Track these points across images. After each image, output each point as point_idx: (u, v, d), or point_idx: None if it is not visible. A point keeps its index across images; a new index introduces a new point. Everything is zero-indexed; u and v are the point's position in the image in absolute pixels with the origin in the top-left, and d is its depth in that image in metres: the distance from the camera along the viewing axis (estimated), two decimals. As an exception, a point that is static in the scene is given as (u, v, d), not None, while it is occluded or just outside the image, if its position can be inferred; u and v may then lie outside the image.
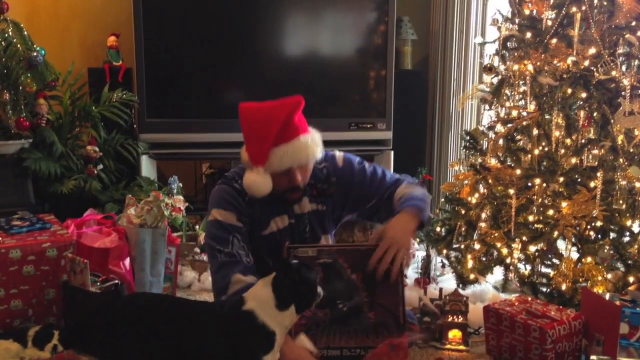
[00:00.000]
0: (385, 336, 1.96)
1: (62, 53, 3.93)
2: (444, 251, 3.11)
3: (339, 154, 2.33)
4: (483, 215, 2.91)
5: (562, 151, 2.73)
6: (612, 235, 2.70)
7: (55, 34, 4.02)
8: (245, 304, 1.71)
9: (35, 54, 3.23)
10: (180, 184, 3.57)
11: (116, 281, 2.55)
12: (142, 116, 3.72)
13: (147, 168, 3.78)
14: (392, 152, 4.05)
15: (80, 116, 3.55)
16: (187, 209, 3.39)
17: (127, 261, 2.81)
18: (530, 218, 2.75)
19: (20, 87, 3.24)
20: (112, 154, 3.62)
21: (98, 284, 2.50)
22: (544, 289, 2.73)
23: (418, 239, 3.62)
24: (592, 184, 2.62)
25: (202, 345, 1.70)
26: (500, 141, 2.93)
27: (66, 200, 3.32)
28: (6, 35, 3.21)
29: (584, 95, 2.67)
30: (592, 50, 2.61)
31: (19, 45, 3.22)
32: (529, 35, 2.84)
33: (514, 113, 2.87)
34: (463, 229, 3.00)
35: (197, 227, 3.62)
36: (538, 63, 2.73)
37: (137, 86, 3.72)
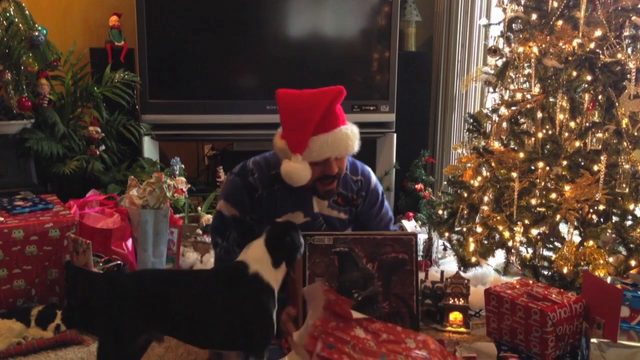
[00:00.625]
0: (400, 326, 1.95)
1: (64, 33, 3.90)
2: (446, 234, 3.12)
3: (373, 176, 2.33)
4: (485, 199, 2.91)
5: (566, 134, 2.71)
6: (614, 218, 2.70)
7: (57, 14, 3.99)
8: (249, 267, 1.79)
9: (37, 33, 3.20)
10: (183, 166, 3.57)
11: (119, 262, 2.56)
12: (144, 97, 3.71)
13: (150, 149, 3.78)
14: (394, 135, 4.03)
15: (82, 96, 3.54)
16: (190, 190, 3.39)
17: (130, 242, 2.82)
18: (533, 201, 2.75)
19: (22, 67, 3.22)
20: (114, 135, 3.62)
21: (100, 264, 2.51)
22: (546, 272, 2.73)
23: (420, 222, 3.63)
24: (595, 168, 2.61)
25: (214, 315, 1.74)
26: (504, 124, 2.92)
27: (68, 180, 3.32)
28: (7, 14, 3.18)
29: (589, 78, 2.65)
30: (598, 33, 2.59)
31: (20, 25, 3.19)
32: (534, 16, 2.81)
33: (518, 96, 2.86)
34: (465, 212, 3.00)
35: (199, 208, 3.63)
36: (543, 45, 2.71)
37: (139, 67, 3.70)
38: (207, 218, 3.42)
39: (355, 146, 2.08)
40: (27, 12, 3.26)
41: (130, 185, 3.02)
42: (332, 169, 2.04)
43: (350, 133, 2.05)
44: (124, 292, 1.72)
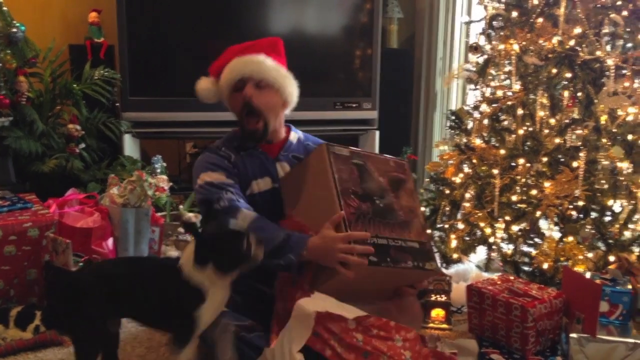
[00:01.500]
0: (416, 233, 2.02)
1: (43, 29, 3.85)
2: (428, 231, 3.12)
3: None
4: (467, 195, 2.92)
5: (546, 131, 2.73)
6: (593, 214, 2.73)
7: (35, 10, 3.94)
8: (180, 258, 1.81)
9: (14, 30, 3.16)
10: (164, 164, 3.54)
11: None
12: (124, 94, 3.67)
13: (130, 147, 3.74)
14: (377, 132, 4.04)
15: (62, 94, 3.50)
16: (171, 188, 3.37)
17: (110, 241, 2.80)
18: (514, 198, 2.77)
19: (0, 65, 3.17)
20: (94, 133, 3.58)
21: (80, 264, 2.48)
22: (526, 268, 2.75)
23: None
24: (575, 164, 2.64)
25: (156, 299, 1.78)
26: (485, 121, 2.93)
27: (47, 179, 3.28)
28: (-16, 11, 3.14)
29: (568, 75, 2.67)
30: (578, 30, 2.61)
31: (-3, 21, 3.15)
32: (515, 14, 2.83)
33: (499, 93, 2.87)
34: (447, 208, 3.01)
35: (181, 206, 3.60)
36: (524, 42, 2.72)
37: (119, 64, 3.66)
38: (189, 216, 3.40)
39: (276, 76, 2.11)
40: (4, 8, 3.21)
41: (111, 184, 2.99)
42: (244, 91, 2.07)
43: (268, 61, 2.12)
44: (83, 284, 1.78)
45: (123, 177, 3.11)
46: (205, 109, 3.76)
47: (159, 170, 3.44)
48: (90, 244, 2.69)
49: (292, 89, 2.16)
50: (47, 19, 3.96)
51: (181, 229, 3.38)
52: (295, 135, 2.28)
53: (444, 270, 2.64)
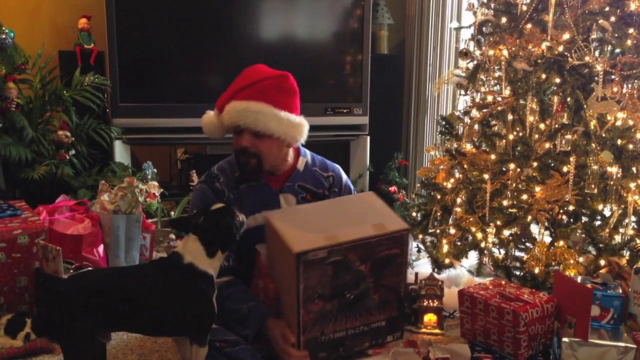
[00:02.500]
0: (387, 310, 2.06)
1: (32, 35, 3.84)
2: (420, 236, 3.13)
3: (344, 173, 2.33)
4: (458, 200, 2.93)
5: (536, 136, 2.75)
6: (584, 219, 2.74)
7: (25, 16, 3.92)
8: (184, 258, 1.85)
9: (4, 36, 3.15)
10: (155, 170, 3.53)
11: (89, 268, 2.52)
12: (115, 100, 3.66)
13: (121, 153, 3.73)
14: (368, 137, 4.05)
15: (51, 100, 3.48)
16: (162, 194, 3.36)
17: (101, 248, 2.78)
18: (505, 203, 2.78)
19: (-11, 71, 3.16)
20: (84, 139, 3.56)
21: (71, 271, 2.47)
22: (518, 273, 2.76)
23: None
24: (565, 169, 2.66)
25: (155, 305, 1.80)
26: (476, 126, 2.95)
27: (37, 186, 3.26)
28: (-27, 17, 3.12)
29: (557, 80, 2.69)
30: (566, 36, 2.63)
31: (-14, 27, 3.14)
32: (504, 20, 2.85)
33: (489, 98, 2.89)
34: (438, 213, 3.02)
35: (172, 213, 3.59)
36: (513, 48, 2.74)
37: (109, 70, 3.65)
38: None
39: (271, 125, 2.01)
40: (-7, 14, 3.20)
41: (102, 190, 2.98)
42: (240, 140, 2.04)
43: (266, 110, 1.99)
44: (72, 294, 1.76)
45: (114, 184, 3.10)
46: (195, 115, 3.76)
47: (149, 177, 3.43)
48: (81, 251, 2.67)
49: (296, 132, 2.06)
50: (36, 25, 3.95)
51: (172, 235, 3.37)
52: (304, 160, 2.24)
53: (436, 276, 2.64)
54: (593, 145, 2.61)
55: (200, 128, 3.79)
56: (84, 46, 3.71)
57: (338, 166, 2.33)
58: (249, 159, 2.08)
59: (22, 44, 3.42)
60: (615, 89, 2.54)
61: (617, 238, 2.69)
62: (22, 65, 3.35)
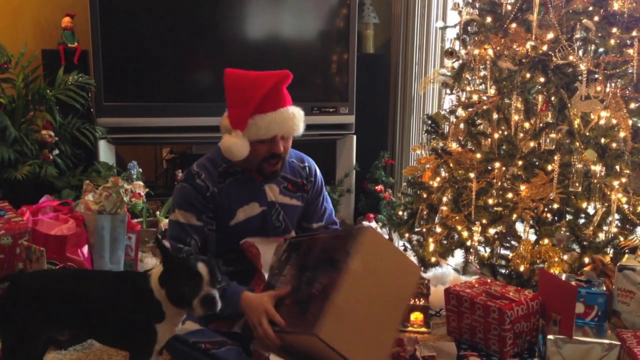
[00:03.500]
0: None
1: (15, 34, 3.79)
2: (406, 234, 3.14)
3: (315, 164, 2.36)
4: (444, 199, 2.94)
5: (521, 135, 2.77)
6: (568, 217, 2.77)
7: (7, 14, 3.88)
8: (148, 280, 1.79)
9: (-15, 34, 3.11)
10: (140, 170, 3.51)
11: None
12: (99, 100, 3.63)
13: (105, 153, 3.69)
14: (354, 137, 4.05)
15: (35, 100, 3.44)
16: (148, 194, 3.34)
17: (86, 248, 2.75)
18: (490, 201, 2.79)
19: (-29, 70, 3.12)
20: (68, 139, 3.53)
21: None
22: (503, 271, 2.78)
23: (380, 223, 3.65)
24: (549, 167, 2.67)
25: (106, 316, 1.78)
26: (461, 125, 2.96)
27: (21, 186, 3.22)
28: (-46, 15, 3.08)
29: (542, 79, 2.71)
30: (550, 35, 2.65)
31: (-33, 26, 3.10)
32: (489, 19, 2.86)
33: (475, 97, 2.90)
34: (425, 212, 3.03)
35: (157, 213, 3.57)
36: (498, 47, 2.76)
37: (93, 69, 3.61)
38: (166, 222, 3.37)
39: (301, 127, 2.12)
40: (-25, 13, 3.16)
41: (86, 190, 2.95)
42: (278, 147, 2.08)
43: (296, 113, 2.10)
44: (22, 290, 1.78)
45: (98, 184, 3.07)
46: (181, 114, 3.77)
47: (134, 177, 3.41)
48: (65, 252, 2.64)
49: (303, 123, 2.15)
50: (19, 24, 3.90)
51: (158, 236, 3.34)
52: None
53: (422, 274, 2.65)
54: (577, 143, 2.64)
55: (186, 127, 3.80)
56: (68, 45, 3.67)
57: (311, 159, 2.36)
58: (276, 165, 2.12)
59: (5, 43, 3.38)
60: (598, 88, 2.56)
61: (601, 236, 2.72)
62: (4, 64, 3.31)
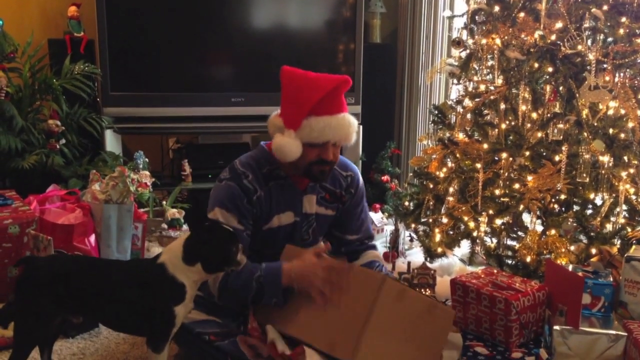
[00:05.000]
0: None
1: (21, 23, 3.79)
2: (412, 225, 3.14)
3: (360, 174, 2.32)
4: (451, 189, 2.94)
5: (529, 125, 2.75)
6: (575, 208, 2.76)
7: (13, 3, 3.87)
8: (159, 257, 1.81)
9: (-8, 24, 3.11)
10: (147, 159, 3.51)
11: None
12: (105, 89, 3.63)
13: (112, 143, 3.70)
14: (361, 127, 4.03)
15: (41, 89, 3.44)
16: (154, 184, 3.34)
17: (93, 237, 2.77)
18: (497, 192, 2.78)
19: (-23, 59, 3.12)
20: (75, 128, 3.53)
21: (62, 261, 2.45)
22: (509, 262, 2.78)
23: (387, 214, 3.65)
24: (557, 158, 2.66)
25: (119, 301, 1.79)
26: (468, 115, 2.95)
27: (28, 175, 3.23)
28: (-40, 4, 3.08)
29: (550, 69, 2.69)
30: (559, 25, 2.63)
31: (-26, 15, 3.10)
32: (497, 8, 2.84)
33: (482, 87, 2.89)
34: (431, 203, 3.03)
35: (164, 202, 3.58)
36: (506, 37, 2.74)
37: (100, 58, 3.61)
38: (172, 212, 3.38)
39: (354, 137, 2.06)
40: (-19, 1, 3.16)
41: (93, 180, 2.96)
42: (328, 154, 2.02)
43: (352, 122, 2.04)
44: (39, 272, 1.79)
45: (105, 173, 3.08)
46: (187, 104, 3.77)
47: (141, 166, 3.41)
48: (72, 241, 2.66)
49: (355, 132, 2.11)
50: (25, 13, 3.90)
51: (164, 225, 3.36)
52: None
53: (428, 265, 2.65)
54: (585, 134, 2.62)
55: (193, 117, 3.80)
56: (74, 34, 3.67)
57: (356, 167, 2.31)
58: (326, 168, 2.07)
59: (11, 32, 3.38)
60: (607, 78, 2.54)
61: (608, 227, 2.71)
62: (11, 54, 3.31)
